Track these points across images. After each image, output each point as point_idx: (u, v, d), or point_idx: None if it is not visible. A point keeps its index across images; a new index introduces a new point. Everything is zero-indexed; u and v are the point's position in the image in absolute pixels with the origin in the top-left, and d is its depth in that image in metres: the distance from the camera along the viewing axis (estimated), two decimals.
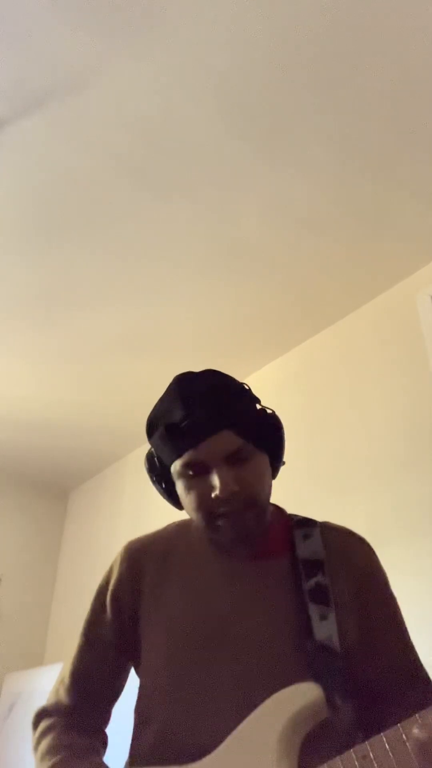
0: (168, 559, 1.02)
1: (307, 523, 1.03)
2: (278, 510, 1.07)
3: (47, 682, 3.00)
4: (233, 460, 0.94)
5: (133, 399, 3.21)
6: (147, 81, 1.75)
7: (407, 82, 1.74)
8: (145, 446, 3.83)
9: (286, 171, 2.00)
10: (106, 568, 1.06)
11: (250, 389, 1.03)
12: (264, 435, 0.99)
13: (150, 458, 1.04)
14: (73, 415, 3.37)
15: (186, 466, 0.95)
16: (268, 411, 1.02)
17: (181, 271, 2.42)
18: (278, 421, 1.02)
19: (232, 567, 0.98)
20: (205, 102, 1.80)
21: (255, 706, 0.83)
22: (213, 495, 0.92)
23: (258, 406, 1.02)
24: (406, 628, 0.98)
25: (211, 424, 0.94)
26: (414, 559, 1.95)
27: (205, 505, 0.94)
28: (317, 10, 1.58)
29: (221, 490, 0.91)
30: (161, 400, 1.02)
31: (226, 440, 0.94)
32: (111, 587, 1.03)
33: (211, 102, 1.80)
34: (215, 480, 0.92)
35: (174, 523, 1.11)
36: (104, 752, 0.97)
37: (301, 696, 0.81)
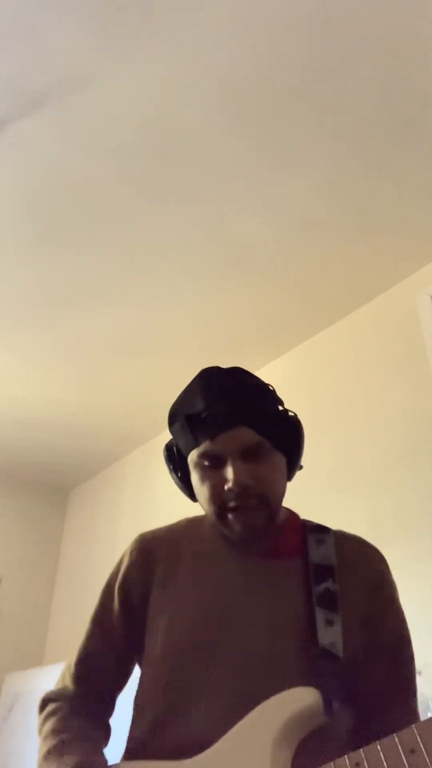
0: (179, 553, 1.02)
1: (321, 529, 1.04)
2: (292, 514, 1.08)
3: (47, 682, 2.99)
4: (249, 456, 0.95)
5: (133, 399, 3.21)
6: (147, 81, 1.75)
7: (407, 83, 1.74)
8: (145, 446, 3.83)
9: (286, 171, 2.00)
10: (116, 560, 1.08)
11: (274, 390, 1.04)
12: (283, 436, 1.00)
13: (169, 448, 1.07)
14: (73, 415, 3.36)
15: (202, 456, 0.96)
16: (291, 413, 1.03)
17: (181, 271, 2.42)
18: (299, 425, 1.03)
19: (242, 565, 0.98)
20: (205, 102, 1.80)
21: (252, 705, 0.82)
22: (226, 487, 0.93)
23: (280, 408, 1.03)
24: (409, 642, 0.98)
25: (231, 417, 0.95)
26: (415, 559, 1.95)
27: (217, 496, 0.95)
28: (317, 11, 1.58)
29: (234, 483, 0.92)
30: (185, 390, 1.04)
31: (244, 435, 0.95)
32: (121, 577, 1.04)
33: (211, 102, 1.80)
34: (229, 472, 0.93)
35: (186, 518, 1.11)
36: (106, 743, 0.97)
37: (299, 699, 0.81)
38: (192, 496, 1.04)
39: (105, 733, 0.99)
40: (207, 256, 2.34)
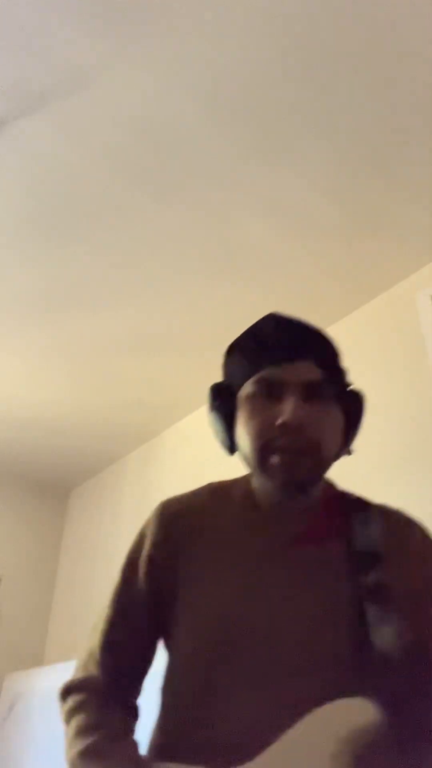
0: (207, 524, 0.92)
1: (363, 506, 0.94)
2: (331, 486, 0.97)
3: (47, 682, 3.00)
4: (311, 394, 0.86)
5: (133, 399, 3.21)
6: (146, 82, 1.75)
7: (406, 83, 1.74)
8: (145, 446, 3.82)
9: (286, 171, 2.00)
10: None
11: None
12: (347, 394, 0.92)
13: (216, 387, 0.96)
14: (73, 415, 3.36)
15: (260, 382, 0.87)
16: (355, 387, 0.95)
17: (181, 272, 2.42)
18: (362, 396, 0.95)
19: (280, 547, 0.88)
20: (206, 103, 1.80)
21: (293, 709, 0.74)
22: (278, 422, 0.84)
23: (347, 376, 0.95)
24: None
25: (301, 348, 0.88)
26: None
27: (264, 432, 0.85)
28: (316, 11, 1.58)
29: (289, 416, 0.83)
30: (251, 327, 0.96)
31: (311, 370, 0.87)
32: (144, 553, 0.93)
33: (212, 103, 1.80)
34: (286, 405, 0.84)
35: (210, 485, 1.00)
36: (135, 725, 0.90)
37: (358, 713, 0.73)
38: (231, 444, 0.92)
39: (135, 719, 0.91)
40: (207, 257, 2.34)
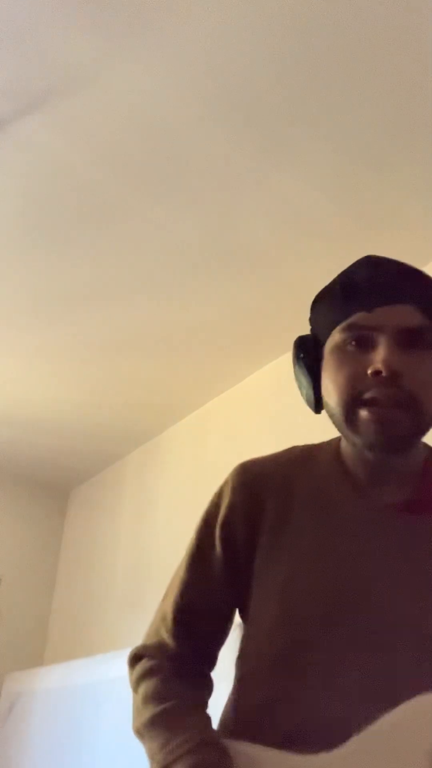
0: (293, 489, 0.84)
1: None
2: None
3: (47, 682, 3.00)
4: (409, 342, 0.76)
5: (133, 399, 3.21)
6: (147, 82, 1.75)
7: (407, 83, 1.74)
8: (145, 446, 3.81)
9: (286, 171, 2.00)
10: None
11: None
12: None
13: (300, 338, 0.88)
14: (73, 415, 3.36)
15: (350, 329, 0.78)
16: None
17: (181, 272, 2.42)
18: None
19: (375, 517, 0.79)
20: (206, 103, 1.80)
21: (390, 694, 0.67)
22: (369, 371, 0.74)
23: None
24: None
25: (398, 290, 0.78)
26: None
27: (354, 384, 0.76)
28: (317, 12, 1.58)
29: (383, 364, 0.73)
30: (344, 270, 0.86)
31: (409, 314, 0.77)
32: (222, 516, 0.85)
33: (212, 103, 1.80)
34: (379, 353, 0.75)
35: (293, 449, 0.91)
36: (209, 697, 0.85)
37: None
38: (317, 400, 0.83)
39: (209, 691, 0.86)
40: (207, 257, 2.34)
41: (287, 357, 3.14)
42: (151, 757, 0.74)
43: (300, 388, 0.87)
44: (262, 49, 1.67)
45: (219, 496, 0.88)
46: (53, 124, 1.87)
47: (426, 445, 0.85)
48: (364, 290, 0.79)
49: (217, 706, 0.84)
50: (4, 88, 1.77)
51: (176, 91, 1.77)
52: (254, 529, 0.83)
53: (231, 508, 0.85)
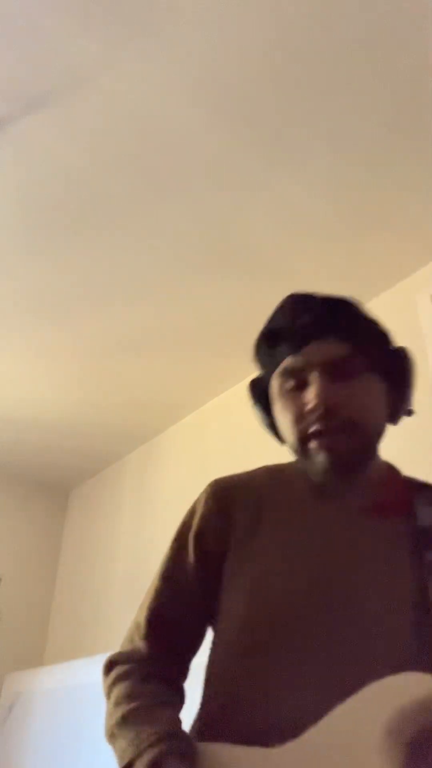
0: (262, 501, 0.89)
1: (428, 487, 0.89)
2: (393, 468, 0.93)
3: (47, 682, 3.00)
4: (338, 373, 0.83)
5: (133, 399, 3.21)
6: (147, 82, 1.75)
7: (407, 83, 1.74)
8: (145, 446, 3.81)
9: (285, 171, 2.00)
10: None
11: (380, 322, 0.92)
12: (382, 357, 0.87)
13: (252, 382, 0.95)
14: (73, 415, 3.37)
15: (284, 375, 0.85)
16: (399, 345, 0.91)
17: (181, 271, 2.42)
18: (405, 353, 0.90)
19: (338, 519, 0.84)
20: (206, 103, 1.80)
21: (355, 687, 0.69)
22: (307, 408, 0.81)
23: (386, 337, 0.90)
24: None
25: (317, 327, 0.84)
26: None
27: (299, 422, 0.83)
28: (317, 12, 1.58)
29: (317, 401, 0.80)
30: (272, 313, 0.93)
31: (332, 347, 0.83)
32: (195, 526, 0.91)
33: (212, 103, 1.80)
34: (312, 391, 0.81)
35: (264, 466, 0.97)
36: (182, 705, 0.86)
37: (414, 687, 0.68)
38: (279, 435, 0.91)
39: (181, 698, 0.87)
40: (207, 256, 2.34)
41: None
42: (121, 756, 0.74)
43: (262, 426, 0.95)
44: (262, 50, 1.67)
45: (192, 509, 0.94)
46: (53, 124, 1.87)
47: (387, 463, 0.93)
48: (288, 335, 0.86)
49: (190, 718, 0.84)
50: (4, 88, 1.77)
51: (176, 91, 1.77)
52: (225, 538, 0.87)
53: (203, 519, 0.90)
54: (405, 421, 2.34)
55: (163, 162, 1.98)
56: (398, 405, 0.90)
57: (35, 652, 3.71)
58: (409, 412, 0.91)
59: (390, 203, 2.11)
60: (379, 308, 2.49)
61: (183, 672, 0.90)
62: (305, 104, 1.80)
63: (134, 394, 3.17)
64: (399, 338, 2.59)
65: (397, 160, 1.96)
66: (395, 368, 0.89)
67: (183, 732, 0.76)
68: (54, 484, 4.16)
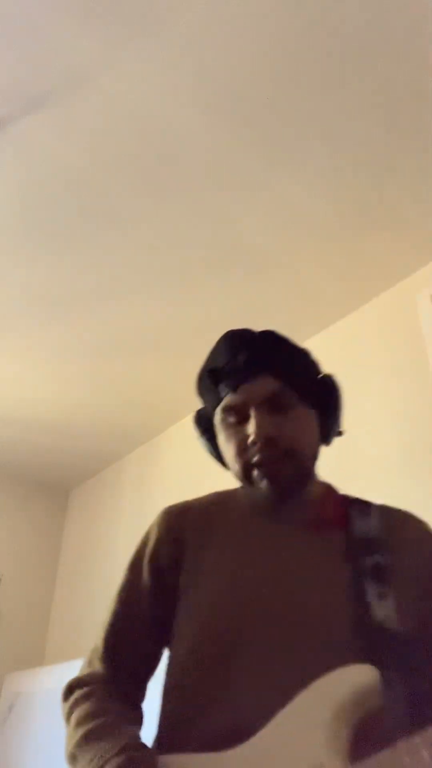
0: (211, 524, 0.96)
1: (363, 502, 0.99)
2: (330, 487, 1.02)
3: (47, 682, 3.00)
4: (273, 407, 0.92)
5: (133, 399, 3.21)
6: (147, 82, 1.75)
7: (407, 83, 1.74)
8: (145, 446, 3.82)
9: (285, 171, 2.00)
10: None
11: (309, 353, 1.01)
12: (311, 389, 0.96)
13: (197, 413, 1.05)
14: (73, 415, 3.37)
15: (226, 411, 0.94)
16: (326, 374, 1.00)
17: (181, 272, 2.42)
18: (333, 381, 1.00)
19: (281, 535, 0.92)
20: (206, 103, 1.80)
21: (303, 686, 0.75)
22: (249, 440, 0.90)
23: (313, 368, 0.99)
24: None
25: (252, 366, 0.93)
26: None
27: (242, 453, 0.91)
28: (317, 12, 1.58)
29: (256, 434, 0.89)
30: (210, 351, 1.03)
31: (267, 384, 0.92)
32: (149, 550, 0.98)
33: (212, 103, 1.80)
34: (252, 424, 0.90)
35: (213, 492, 1.06)
36: (141, 727, 0.89)
37: (355, 677, 0.74)
38: (225, 463, 0.99)
39: (140, 717, 0.91)
40: (207, 256, 2.34)
41: None
42: None
43: (209, 454, 1.04)
44: (261, 50, 1.67)
45: (146, 535, 1.01)
46: (53, 124, 1.87)
47: (324, 482, 1.02)
48: (227, 374, 0.95)
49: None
50: (4, 88, 1.77)
51: (176, 91, 1.77)
52: (178, 561, 0.94)
53: (157, 542, 0.97)
54: (405, 421, 2.34)
55: (163, 162, 1.98)
56: (329, 428, 0.99)
57: (35, 652, 3.71)
58: (340, 433, 1.01)
59: (390, 203, 2.11)
60: (379, 308, 2.51)
61: (141, 692, 0.94)
62: (305, 104, 1.80)
63: (134, 394, 3.17)
64: (399, 338, 2.61)
65: (396, 160, 1.96)
66: (324, 396, 0.98)
67: (143, 743, 0.80)
68: (54, 484, 4.16)
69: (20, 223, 2.21)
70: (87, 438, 3.60)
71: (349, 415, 2.50)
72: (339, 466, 2.42)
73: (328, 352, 2.66)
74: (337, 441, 2.31)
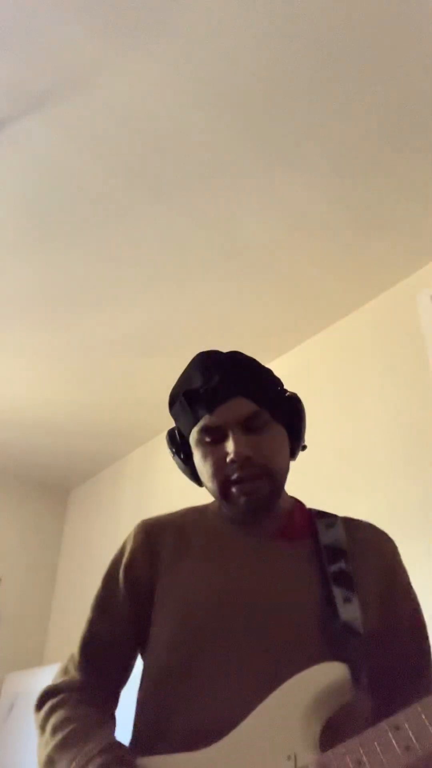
0: (185, 535, 1.01)
1: (328, 515, 1.05)
2: (298, 502, 1.08)
3: (47, 682, 2.99)
4: (249, 427, 0.96)
5: (133, 399, 3.21)
6: (147, 82, 1.75)
7: (407, 83, 1.74)
8: (145, 446, 3.81)
9: (285, 172, 2.00)
10: (120, 546, 1.05)
11: (272, 372, 1.07)
12: (282, 408, 1.01)
13: (171, 432, 1.07)
14: (73, 415, 3.37)
15: (203, 431, 0.97)
16: (290, 392, 1.06)
17: (181, 272, 2.42)
18: (297, 399, 1.05)
19: (252, 546, 0.97)
20: (206, 103, 1.80)
21: (276, 686, 0.80)
22: (228, 459, 0.94)
23: (279, 387, 1.05)
24: (424, 626, 0.99)
25: (228, 389, 0.97)
26: (408, 560, 1.95)
27: (220, 471, 0.95)
28: (317, 14, 1.58)
29: (235, 453, 0.93)
30: (183, 372, 1.05)
31: (242, 406, 0.96)
32: (125, 561, 1.01)
33: (212, 103, 1.80)
34: (230, 444, 0.94)
35: (188, 507, 1.10)
36: (114, 730, 0.91)
37: (327, 674, 0.79)
38: (197, 480, 1.03)
39: (113, 724, 0.93)
40: (207, 256, 2.34)
41: (287, 356, 3.14)
42: None
43: (182, 472, 1.06)
44: (262, 51, 1.67)
45: (122, 546, 1.04)
46: (53, 124, 1.87)
47: (292, 498, 1.07)
48: (202, 397, 0.97)
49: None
50: (4, 88, 1.77)
51: (176, 91, 1.77)
52: (153, 570, 0.98)
53: (133, 552, 1.01)
54: (405, 421, 2.33)
55: (163, 162, 1.98)
56: (296, 444, 1.03)
57: (35, 652, 3.71)
58: (304, 447, 1.05)
59: (390, 203, 2.11)
60: (379, 308, 2.51)
61: (114, 700, 0.97)
62: (305, 105, 1.80)
63: (134, 394, 3.17)
64: (399, 338, 2.61)
65: (397, 161, 1.96)
66: (290, 413, 1.03)
67: (121, 743, 0.84)
68: (54, 484, 4.16)
69: (20, 223, 2.21)
70: (87, 438, 3.60)
71: (349, 415, 2.51)
72: (339, 467, 2.43)
73: (328, 352, 2.66)
74: (336, 441, 2.32)
